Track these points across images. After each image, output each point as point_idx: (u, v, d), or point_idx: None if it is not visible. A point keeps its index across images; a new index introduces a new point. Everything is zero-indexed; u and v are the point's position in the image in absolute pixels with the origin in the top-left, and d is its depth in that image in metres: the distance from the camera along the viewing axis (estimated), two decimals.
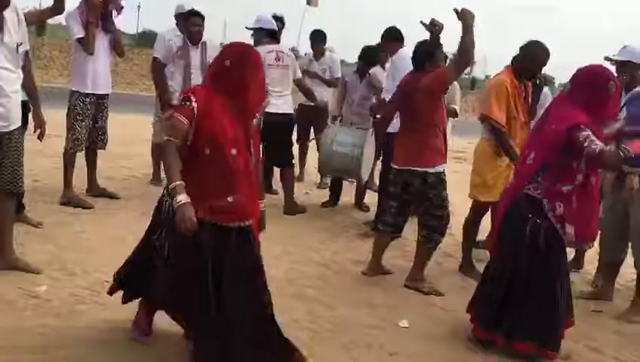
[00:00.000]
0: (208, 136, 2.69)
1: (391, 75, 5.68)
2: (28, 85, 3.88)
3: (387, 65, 6.08)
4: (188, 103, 2.67)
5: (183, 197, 2.56)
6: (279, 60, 5.73)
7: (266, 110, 5.27)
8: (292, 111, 6.05)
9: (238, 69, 2.74)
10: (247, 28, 6.04)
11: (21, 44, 3.61)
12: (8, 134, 3.62)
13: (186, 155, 2.70)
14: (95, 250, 4.34)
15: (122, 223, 4.98)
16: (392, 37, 5.74)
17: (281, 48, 5.91)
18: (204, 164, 2.72)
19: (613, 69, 4.12)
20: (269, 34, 5.90)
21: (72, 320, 3.28)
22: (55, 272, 3.88)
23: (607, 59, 4.45)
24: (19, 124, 3.71)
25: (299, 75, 6.05)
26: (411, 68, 4.44)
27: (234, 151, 2.73)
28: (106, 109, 5.50)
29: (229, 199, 2.75)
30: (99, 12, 5.21)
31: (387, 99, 5.41)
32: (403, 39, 5.74)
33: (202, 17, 5.85)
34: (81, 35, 5.17)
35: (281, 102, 5.73)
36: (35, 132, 4.08)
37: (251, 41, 6.75)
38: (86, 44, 5.17)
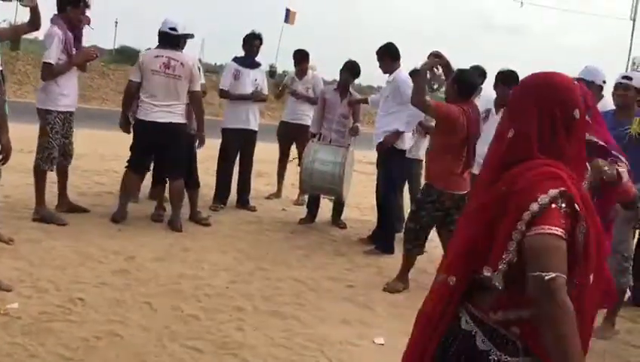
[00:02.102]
0: (594, 250, 1.62)
1: (391, 96, 5.60)
2: None
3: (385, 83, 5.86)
4: (564, 206, 1.56)
5: None
6: (169, 68, 5.32)
7: (148, 119, 5.34)
8: (182, 121, 5.49)
9: (585, 118, 1.74)
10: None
11: None
12: None
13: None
14: (67, 267, 4.27)
15: (95, 240, 4.93)
16: (391, 54, 5.65)
17: (178, 56, 5.37)
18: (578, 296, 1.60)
19: None
20: (160, 39, 5.46)
21: (41, 338, 3.22)
22: (26, 289, 3.81)
23: None
24: None
25: (195, 88, 5.48)
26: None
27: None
28: (72, 123, 5.46)
29: None
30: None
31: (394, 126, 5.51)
32: (400, 58, 5.68)
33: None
34: (51, 62, 5.09)
35: (167, 110, 5.36)
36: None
37: (231, 55, 6.81)
38: (49, 72, 5.10)
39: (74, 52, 5.21)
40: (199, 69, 5.75)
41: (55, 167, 5.34)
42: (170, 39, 5.39)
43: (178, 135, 5.47)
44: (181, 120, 5.48)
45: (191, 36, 5.72)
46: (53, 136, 5.21)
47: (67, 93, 5.25)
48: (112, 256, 4.63)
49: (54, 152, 5.24)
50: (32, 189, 5.37)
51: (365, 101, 6.44)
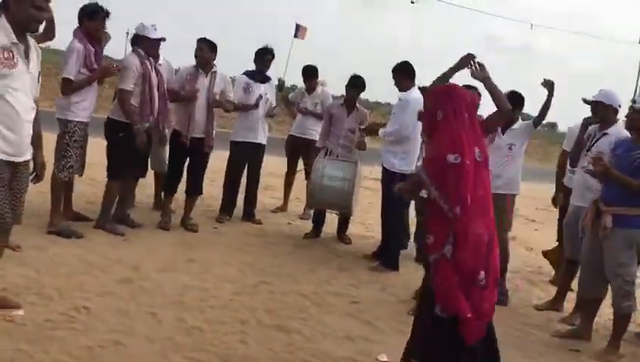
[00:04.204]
0: None
1: (398, 114, 5.60)
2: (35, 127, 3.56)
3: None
4: None
5: None
6: None
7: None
8: (110, 116, 5.62)
9: None
10: None
11: (39, 73, 3.54)
12: (23, 164, 3.47)
13: None
14: (72, 275, 4.29)
15: (101, 249, 4.95)
16: (407, 72, 5.64)
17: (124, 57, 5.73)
18: None
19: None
20: None
21: (45, 345, 3.22)
22: (31, 297, 3.82)
23: (584, 101, 4.76)
24: (30, 156, 3.60)
25: (120, 85, 5.56)
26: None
27: None
28: (87, 132, 5.48)
29: None
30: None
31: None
32: (415, 77, 5.66)
33: (210, 44, 5.91)
34: (71, 77, 5.09)
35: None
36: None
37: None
38: (69, 87, 5.11)
39: (95, 66, 5.19)
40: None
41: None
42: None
43: (107, 129, 5.58)
44: (110, 115, 5.65)
45: (162, 39, 5.75)
46: (72, 145, 5.21)
47: (87, 104, 5.25)
48: (117, 265, 4.65)
49: (72, 161, 5.23)
50: (40, 196, 5.41)
51: (376, 131, 6.28)
